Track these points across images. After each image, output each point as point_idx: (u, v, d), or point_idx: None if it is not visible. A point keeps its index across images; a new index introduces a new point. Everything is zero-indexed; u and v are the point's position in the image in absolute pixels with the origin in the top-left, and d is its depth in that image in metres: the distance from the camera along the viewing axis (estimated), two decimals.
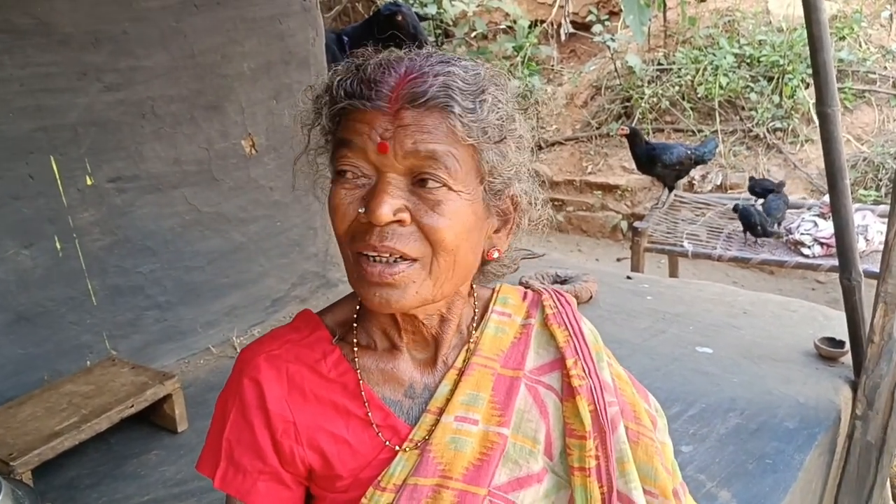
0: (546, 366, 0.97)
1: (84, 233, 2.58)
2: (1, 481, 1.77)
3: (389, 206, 0.80)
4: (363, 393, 0.92)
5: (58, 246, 2.51)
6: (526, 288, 1.08)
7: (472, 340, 0.97)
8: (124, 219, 2.69)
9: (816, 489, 2.40)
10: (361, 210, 0.82)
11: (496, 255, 0.93)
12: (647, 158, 5.51)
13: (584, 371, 0.96)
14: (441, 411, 0.93)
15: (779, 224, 5.10)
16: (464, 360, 0.96)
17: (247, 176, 3.09)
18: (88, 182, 2.57)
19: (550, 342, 0.99)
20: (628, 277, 3.75)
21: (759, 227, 4.86)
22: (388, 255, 0.82)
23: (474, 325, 0.99)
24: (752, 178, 5.82)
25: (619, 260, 6.67)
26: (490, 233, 0.91)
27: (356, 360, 0.94)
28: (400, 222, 0.81)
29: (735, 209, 5.10)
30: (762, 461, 2.19)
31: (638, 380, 1.06)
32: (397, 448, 0.92)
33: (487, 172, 0.85)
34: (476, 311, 1.00)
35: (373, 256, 0.82)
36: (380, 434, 0.91)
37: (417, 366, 0.95)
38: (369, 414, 0.92)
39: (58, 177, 2.48)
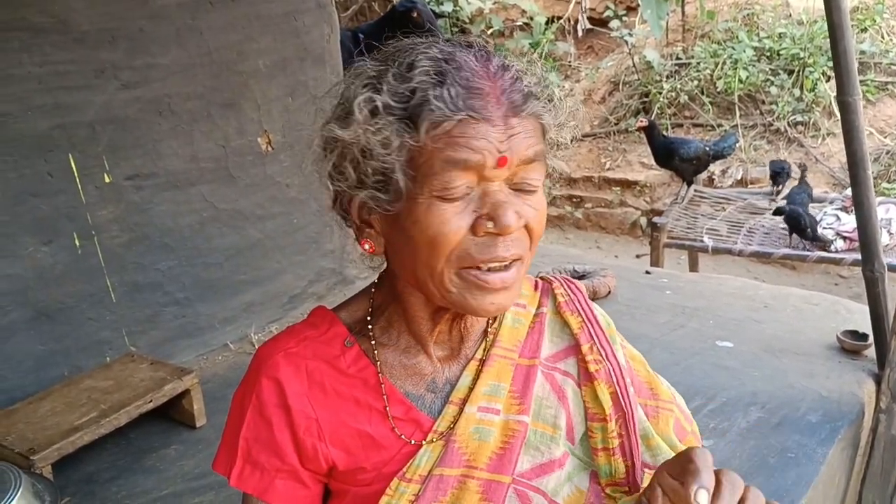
0: (561, 353, 0.98)
1: (103, 230, 2.59)
2: (21, 475, 1.79)
3: (516, 215, 0.81)
4: (383, 387, 0.92)
5: (77, 243, 2.53)
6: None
7: (490, 332, 0.97)
8: (142, 216, 2.71)
9: (840, 484, 2.37)
10: (489, 224, 0.80)
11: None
12: (665, 152, 5.47)
13: (601, 355, 0.97)
14: (464, 402, 0.93)
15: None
16: (484, 352, 0.96)
17: (263, 173, 3.10)
18: (107, 179, 2.59)
19: (564, 329, 0.99)
20: (647, 272, 3.72)
21: (809, 230, 4.64)
22: (504, 260, 0.83)
23: (492, 319, 0.99)
24: (772, 162, 5.76)
25: (638, 256, 6.62)
26: None
27: (375, 354, 0.94)
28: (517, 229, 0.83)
29: (779, 212, 4.90)
30: (784, 455, 2.16)
31: (657, 375, 1.07)
32: (413, 442, 0.92)
33: (549, 157, 0.89)
34: None
35: (491, 266, 0.83)
36: (395, 429, 0.92)
37: (438, 361, 0.96)
38: (388, 409, 0.92)
39: (76, 174, 2.50)
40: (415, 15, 3.69)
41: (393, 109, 0.80)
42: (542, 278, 1.06)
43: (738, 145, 6.15)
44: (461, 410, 0.92)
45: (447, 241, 0.81)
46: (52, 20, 2.38)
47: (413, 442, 0.91)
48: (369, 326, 0.95)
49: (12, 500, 1.69)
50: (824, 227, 4.82)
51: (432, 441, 0.92)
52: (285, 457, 0.91)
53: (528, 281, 1.05)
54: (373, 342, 0.94)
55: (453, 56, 0.81)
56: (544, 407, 0.94)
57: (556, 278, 1.05)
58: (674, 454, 0.96)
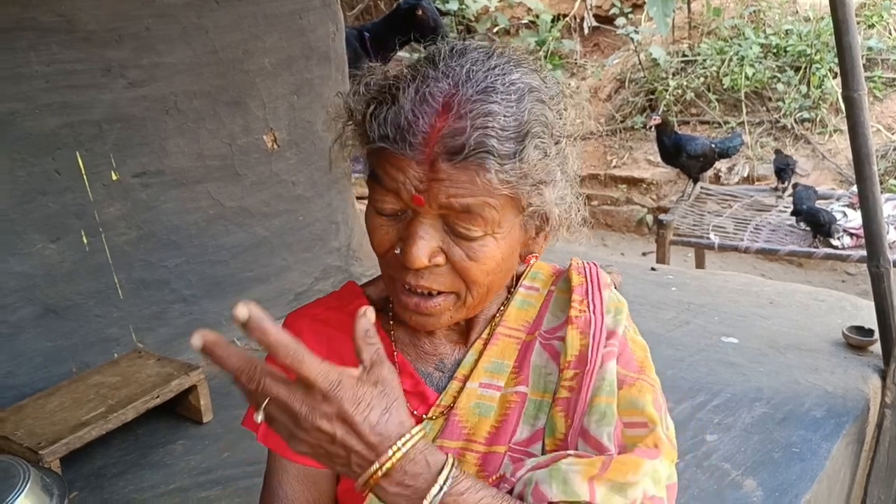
0: (560, 325, 0.98)
1: (110, 227, 2.61)
2: (30, 469, 1.80)
3: (424, 252, 0.81)
4: (396, 363, 0.96)
5: (84, 240, 2.55)
6: None
7: (498, 314, 1.00)
8: (149, 213, 2.72)
9: (845, 479, 2.37)
10: (397, 251, 0.83)
11: (533, 260, 0.98)
12: (674, 148, 5.46)
13: (589, 308, 0.95)
14: (466, 378, 0.95)
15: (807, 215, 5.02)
16: (489, 332, 0.99)
17: (269, 171, 3.11)
18: (114, 177, 2.61)
19: (567, 304, 0.99)
20: (652, 269, 3.72)
21: (827, 226, 4.68)
22: (428, 291, 0.85)
23: (505, 300, 1.01)
24: (776, 158, 5.75)
25: (644, 254, 6.62)
26: (526, 241, 0.92)
27: (392, 331, 0.98)
28: (437, 265, 0.84)
29: (797, 213, 4.90)
30: (789, 450, 2.16)
31: (663, 370, 1.03)
32: (416, 413, 0.94)
33: (527, 206, 0.85)
34: (509, 287, 1.03)
35: (409, 289, 0.86)
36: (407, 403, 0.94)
37: (449, 342, 0.99)
38: (403, 379, 0.95)
39: (84, 172, 2.52)
40: (419, 13, 3.69)
41: (354, 114, 0.85)
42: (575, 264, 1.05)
43: (742, 144, 6.14)
44: (463, 386, 0.95)
45: (376, 244, 0.87)
46: (60, 19, 2.40)
47: (415, 413, 0.94)
48: (390, 304, 0.98)
49: (21, 493, 1.70)
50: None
51: (434, 417, 0.94)
52: None
53: (549, 266, 1.06)
54: (391, 321, 0.98)
55: (423, 76, 0.80)
56: (542, 374, 0.95)
57: (579, 264, 1.03)
58: (630, 418, 0.88)
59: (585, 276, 1.00)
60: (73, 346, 2.55)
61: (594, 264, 1.04)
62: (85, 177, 2.53)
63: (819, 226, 4.72)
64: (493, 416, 0.93)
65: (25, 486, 1.72)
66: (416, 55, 0.89)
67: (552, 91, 0.86)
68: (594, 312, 0.95)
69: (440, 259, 0.83)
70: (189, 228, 2.86)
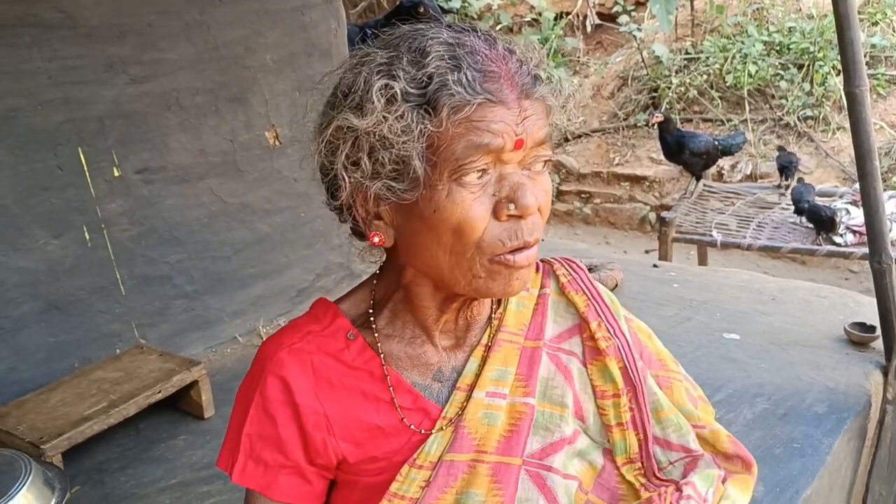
0: (565, 333, 0.99)
1: (112, 223, 2.62)
2: (31, 463, 1.81)
3: (533, 196, 0.82)
4: (389, 378, 0.92)
5: (86, 236, 2.55)
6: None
7: (495, 317, 0.97)
8: (151, 209, 2.73)
9: (846, 474, 2.36)
10: (512, 207, 0.81)
11: None
12: (676, 146, 5.45)
13: (609, 332, 0.97)
14: (471, 388, 0.93)
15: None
16: (489, 337, 0.96)
17: (271, 167, 3.11)
18: (116, 173, 2.62)
19: (569, 309, 1.00)
20: (655, 266, 3.72)
21: (828, 221, 4.67)
22: (527, 244, 0.84)
23: (496, 302, 0.99)
24: (779, 156, 5.74)
25: (647, 252, 6.61)
26: None
27: (379, 346, 0.93)
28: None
29: (800, 211, 4.89)
30: (790, 445, 2.16)
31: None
32: (423, 431, 0.92)
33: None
34: None
35: (510, 249, 0.83)
36: (404, 419, 0.92)
37: (444, 350, 0.96)
38: (395, 399, 0.92)
39: (86, 168, 2.53)
40: (421, 10, 3.69)
41: (410, 96, 0.79)
42: (542, 261, 1.06)
43: (745, 142, 6.13)
44: (469, 396, 0.93)
45: (473, 228, 0.81)
46: (62, 16, 2.41)
47: (423, 431, 0.91)
48: (371, 319, 0.95)
49: (22, 487, 1.71)
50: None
51: (441, 428, 0.92)
52: (289, 453, 0.90)
53: None
54: (376, 334, 0.94)
55: (463, 41, 0.81)
56: (550, 387, 0.95)
57: (556, 260, 1.05)
58: (686, 422, 0.99)
59: (586, 293, 1.00)
60: (76, 341, 2.55)
61: (573, 262, 1.05)
62: (87, 173, 2.54)
63: (821, 222, 4.71)
64: (500, 425, 0.92)
65: (27, 480, 1.73)
66: None
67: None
68: (615, 335, 0.97)
69: (538, 203, 0.85)
70: (191, 224, 2.87)
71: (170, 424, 2.41)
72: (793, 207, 5.04)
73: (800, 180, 5.42)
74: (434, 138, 0.79)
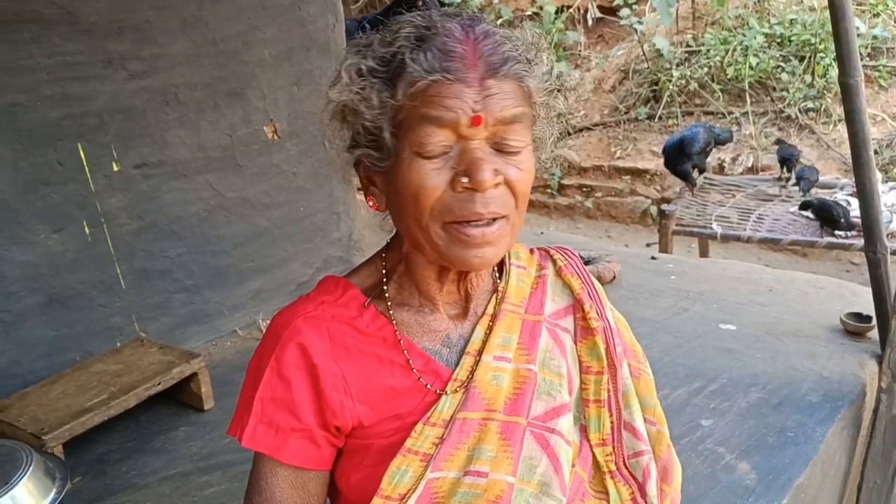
0: (562, 311, 1.06)
1: (112, 218, 2.64)
2: (33, 454, 1.84)
3: (491, 171, 0.85)
4: (402, 342, 0.97)
5: (87, 230, 2.58)
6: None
7: (500, 290, 1.04)
8: (151, 204, 2.75)
9: (840, 463, 2.38)
10: (465, 180, 0.85)
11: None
12: (678, 151, 5.43)
13: (598, 314, 1.06)
14: (480, 353, 0.99)
15: (809, 190, 5.05)
16: (494, 307, 1.03)
17: (270, 162, 3.13)
18: (115, 168, 2.64)
19: (565, 290, 1.08)
20: (653, 258, 3.73)
21: (842, 220, 4.55)
22: (487, 217, 0.87)
23: (497, 276, 1.06)
24: (780, 148, 5.73)
25: (648, 245, 6.62)
26: None
27: (392, 314, 0.98)
28: (497, 185, 0.87)
29: (807, 206, 4.84)
30: (783, 434, 2.18)
31: (660, 357, 1.19)
32: (438, 392, 0.97)
33: (538, 122, 0.93)
34: (499, 265, 1.07)
35: (468, 223, 0.87)
36: (421, 379, 0.97)
37: (451, 319, 1.01)
38: (410, 361, 0.96)
39: (85, 163, 2.55)
40: (420, 4, 3.71)
41: (376, 72, 0.87)
42: (539, 249, 1.14)
43: (741, 133, 6.14)
44: (478, 360, 0.98)
45: (427, 195, 0.86)
46: (61, 11, 2.43)
47: (438, 392, 0.96)
48: (384, 288, 0.99)
49: (23, 477, 1.74)
50: None
51: (455, 390, 0.97)
52: (302, 416, 0.93)
53: (523, 247, 1.11)
54: (388, 303, 0.98)
55: (435, 24, 0.87)
56: (549, 358, 1.02)
57: (552, 247, 1.13)
58: (644, 415, 1.06)
59: (580, 277, 1.08)
60: (77, 334, 2.58)
61: (568, 250, 1.12)
62: (87, 168, 2.56)
63: (833, 221, 4.60)
64: (506, 386, 0.98)
65: (28, 470, 1.76)
66: None
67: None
68: (604, 318, 1.06)
69: (500, 179, 0.87)
70: (190, 219, 2.89)
71: (170, 416, 2.44)
72: (800, 203, 5.03)
73: (801, 169, 5.41)
74: (395, 110, 0.86)
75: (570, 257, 1.11)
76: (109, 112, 2.59)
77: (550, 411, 0.98)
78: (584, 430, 1.04)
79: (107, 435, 2.32)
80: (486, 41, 0.86)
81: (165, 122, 2.76)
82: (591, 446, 1.04)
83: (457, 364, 0.98)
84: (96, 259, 2.62)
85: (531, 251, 1.12)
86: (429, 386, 0.96)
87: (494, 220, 0.87)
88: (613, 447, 1.04)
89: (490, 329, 1.00)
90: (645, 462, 1.04)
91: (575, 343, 1.05)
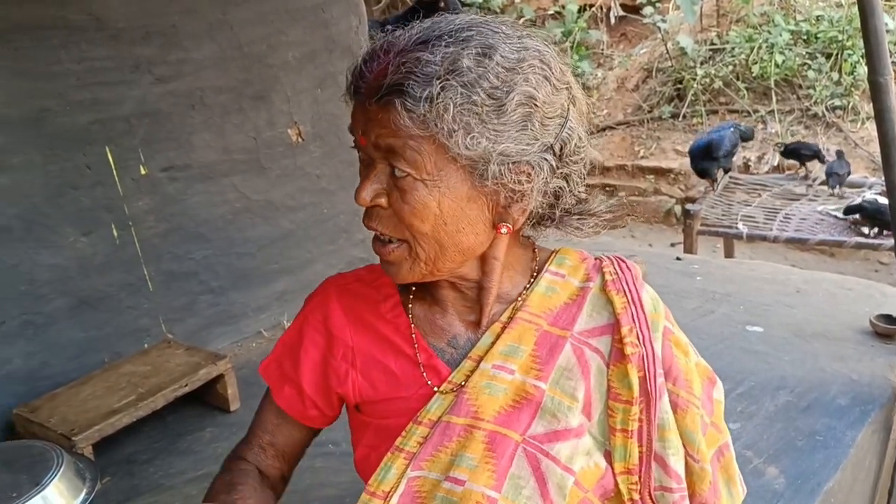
0: (597, 329, 1.00)
1: (139, 221, 2.67)
2: (63, 454, 1.86)
3: (367, 190, 0.88)
4: (413, 336, 1.00)
5: (115, 233, 2.61)
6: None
7: (520, 298, 1.01)
8: (177, 207, 2.78)
9: (871, 467, 2.34)
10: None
11: (504, 230, 0.93)
12: (705, 152, 5.38)
13: (639, 339, 0.98)
14: (480, 359, 0.98)
15: (840, 185, 4.96)
16: (509, 316, 1.00)
17: (294, 164, 3.15)
18: (142, 171, 2.67)
19: (606, 307, 1.01)
20: (678, 259, 3.70)
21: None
22: (382, 235, 0.91)
23: (527, 285, 1.02)
24: (789, 145, 5.66)
25: (672, 245, 6.57)
26: (496, 208, 0.91)
27: (410, 306, 1.02)
28: (380, 206, 0.89)
29: (855, 209, 4.70)
30: (812, 438, 2.15)
31: (700, 363, 1.08)
32: (436, 389, 0.98)
33: (464, 158, 0.85)
34: (533, 272, 1.03)
35: (376, 235, 0.92)
36: (424, 373, 0.98)
37: (463, 323, 1.01)
38: (418, 355, 0.99)
39: (113, 167, 2.58)
40: (441, 5, 3.71)
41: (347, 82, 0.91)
42: (596, 257, 1.08)
43: (766, 131, 6.07)
44: (476, 366, 0.97)
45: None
46: (89, 17, 2.46)
47: (435, 388, 0.98)
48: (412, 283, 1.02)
49: (55, 477, 1.76)
50: None
51: (446, 391, 0.97)
52: (299, 370, 1.04)
53: (577, 253, 1.07)
54: (411, 296, 1.03)
55: (393, 34, 0.88)
56: (565, 377, 0.97)
57: (608, 257, 1.06)
58: (687, 450, 0.99)
59: (626, 295, 1.00)
60: (106, 336, 2.61)
61: (624, 262, 1.04)
62: (115, 171, 2.59)
63: (885, 223, 4.37)
64: (502, 396, 0.95)
65: (59, 470, 1.78)
66: None
67: (513, 54, 0.85)
68: (643, 344, 0.98)
69: (382, 201, 0.89)
70: (216, 221, 2.91)
71: (196, 417, 2.46)
72: (820, 198, 4.98)
73: (839, 154, 5.32)
74: None
75: (623, 272, 1.03)
76: (137, 116, 2.62)
77: (551, 433, 0.94)
78: (608, 457, 0.99)
79: (135, 436, 2.34)
80: (391, 60, 0.83)
81: (191, 126, 2.79)
82: (615, 474, 0.99)
83: (457, 366, 0.99)
84: (124, 261, 2.65)
85: (584, 259, 1.06)
86: (429, 382, 0.98)
87: (390, 239, 0.91)
88: (640, 477, 0.98)
89: (498, 337, 0.98)
90: (675, 499, 0.99)
91: (607, 366, 0.99)
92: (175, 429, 2.41)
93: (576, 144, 0.92)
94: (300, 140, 3.16)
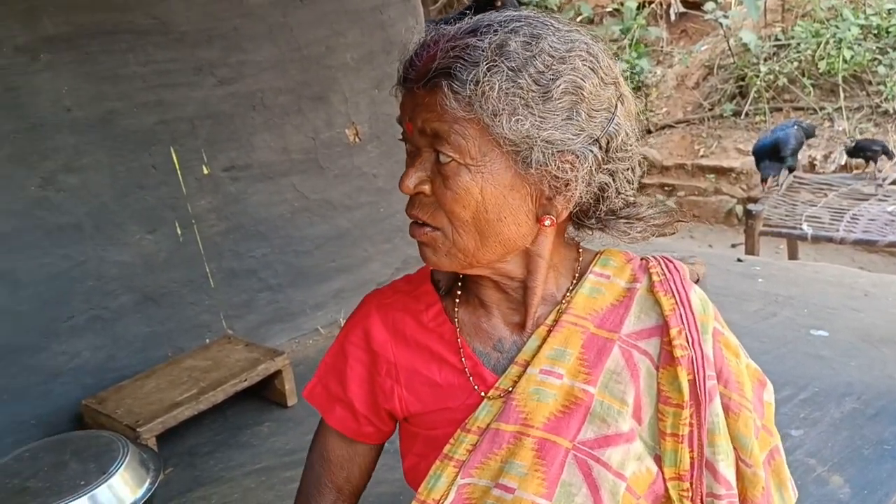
0: (645, 331, 0.97)
1: (201, 219, 2.74)
2: (129, 445, 1.92)
3: (412, 178, 0.87)
4: (459, 341, 0.98)
5: (178, 231, 2.68)
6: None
7: (565, 299, 0.99)
8: (238, 205, 2.85)
9: None
10: None
11: (547, 222, 0.91)
12: (772, 150, 5.23)
13: (688, 342, 0.95)
14: (527, 364, 0.96)
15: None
16: (554, 319, 0.98)
17: (351, 164, 3.19)
18: (205, 171, 2.74)
19: (654, 308, 0.98)
20: (739, 260, 3.62)
21: None
22: (421, 221, 0.90)
23: (571, 286, 1.00)
24: (857, 142, 5.44)
25: (733, 246, 6.42)
26: (540, 200, 0.90)
27: (456, 312, 1.00)
28: (423, 193, 0.88)
29: None
30: (880, 447, 2.07)
31: (750, 366, 1.04)
32: (483, 395, 0.96)
33: (508, 143, 0.85)
34: (576, 273, 1.01)
35: (414, 220, 0.92)
36: (471, 379, 0.97)
37: (508, 325, 0.99)
38: (463, 360, 0.97)
39: (177, 167, 2.66)
40: (498, 4, 3.70)
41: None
42: (642, 257, 1.05)
43: (833, 129, 5.86)
44: (523, 371, 0.95)
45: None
46: (155, 22, 2.54)
47: (482, 394, 0.96)
48: (459, 284, 1.02)
49: (120, 467, 1.82)
50: None
51: (492, 398, 0.95)
52: (347, 389, 1.02)
53: (621, 253, 1.04)
54: (457, 300, 1.01)
55: (442, 25, 0.88)
56: (614, 381, 0.94)
57: (654, 257, 1.03)
58: (740, 455, 0.96)
59: (675, 296, 0.97)
60: (169, 331, 2.69)
61: (671, 262, 1.01)
62: (178, 171, 2.67)
63: None
64: (552, 402, 0.93)
65: (125, 460, 1.84)
66: None
67: (560, 44, 0.85)
68: (692, 346, 0.95)
69: (426, 188, 0.88)
70: (275, 220, 2.97)
71: (255, 412, 2.51)
72: (891, 198, 4.79)
73: None
74: None
75: (670, 272, 1.00)
76: (200, 117, 2.69)
77: (601, 438, 0.92)
78: (658, 461, 0.96)
79: (196, 428, 2.41)
80: (441, 47, 0.84)
81: (252, 127, 2.85)
82: (665, 479, 0.96)
83: (504, 371, 0.96)
84: (187, 259, 2.72)
85: (629, 259, 1.03)
86: (476, 388, 0.96)
87: (424, 223, 0.90)
88: (692, 483, 0.95)
89: (544, 340, 0.96)
90: None
91: (656, 369, 0.96)
92: (234, 422, 2.47)
93: (622, 141, 0.91)
94: (357, 140, 3.19)
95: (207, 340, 2.74)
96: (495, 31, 0.84)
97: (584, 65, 0.86)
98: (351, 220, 3.24)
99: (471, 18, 0.89)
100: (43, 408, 2.36)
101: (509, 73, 0.82)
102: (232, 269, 2.86)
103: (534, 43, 0.84)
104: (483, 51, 0.82)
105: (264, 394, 2.56)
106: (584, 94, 0.86)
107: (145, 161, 2.58)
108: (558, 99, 0.84)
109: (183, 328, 2.73)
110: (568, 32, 0.88)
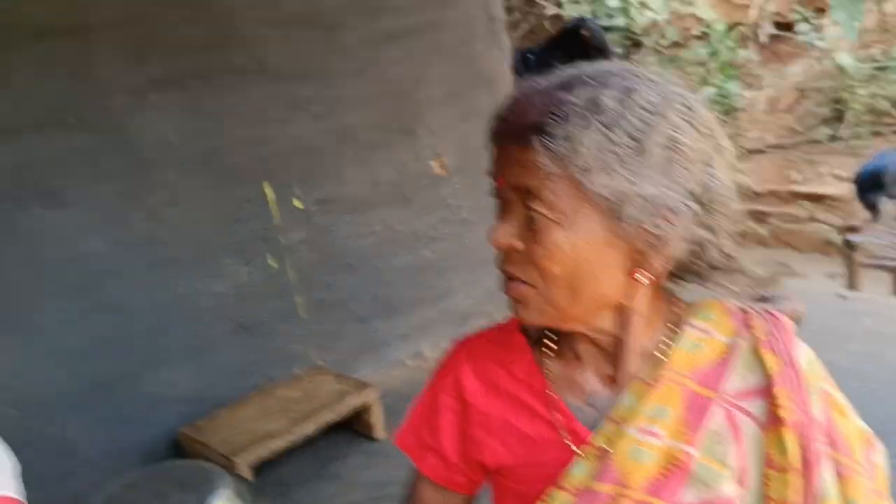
0: (750, 391, 0.93)
1: (293, 251, 2.81)
2: (225, 476, 1.97)
3: (502, 233, 0.85)
4: (550, 394, 0.95)
5: (270, 263, 2.76)
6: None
7: (661, 354, 0.95)
8: (328, 237, 2.91)
9: None
10: None
11: (645, 280, 0.88)
12: (873, 180, 5.01)
13: (795, 404, 0.91)
14: (623, 421, 0.92)
15: None
16: (651, 374, 0.94)
17: (436, 195, 3.22)
18: (297, 204, 2.81)
19: (758, 367, 0.94)
20: (842, 296, 3.45)
21: None
22: (513, 277, 0.88)
23: (667, 340, 0.97)
24: None
25: (831, 277, 6.14)
26: (633, 255, 0.87)
27: (546, 363, 0.97)
28: (514, 248, 0.86)
29: None
30: None
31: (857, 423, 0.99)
32: (577, 451, 0.93)
33: (601, 199, 0.82)
34: (670, 325, 0.99)
35: (504, 271, 0.90)
36: (563, 433, 0.94)
37: (601, 378, 0.96)
38: (555, 414, 0.94)
39: (271, 200, 2.74)
40: (585, 33, 3.69)
41: None
42: (742, 309, 0.99)
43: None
44: (619, 429, 0.92)
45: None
46: (254, 62, 2.64)
47: (574, 448, 0.92)
48: (547, 334, 0.99)
49: (220, 499, 1.86)
50: None
51: (588, 454, 0.92)
52: (439, 438, 1.00)
53: (721, 305, 1.00)
54: (544, 349, 0.98)
55: (533, 80, 0.87)
56: (716, 442, 0.90)
57: (756, 310, 0.98)
58: None
59: (782, 357, 0.93)
60: (260, 360, 2.76)
61: (777, 319, 0.97)
62: (272, 204, 2.75)
63: None
64: (650, 464, 0.89)
65: (224, 491, 1.88)
66: None
67: (655, 97, 0.83)
68: (801, 409, 0.91)
69: (518, 244, 0.85)
70: (363, 252, 3.02)
71: (345, 444, 2.54)
72: None
73: None
74: None
75: (777, 329, 0.95)
76: (293, 152, 2.77)
77: (704, 503, 0.88)
78: None
79: (286, 458, 2.44)
80: (534, 101, 0.83)
81: (342, 160, 2.91)
82: None
83: (596, 427, 0.93)
84: (278, 290, 2.79)
85: (729, 312, 0.98)
86: (569, 443, 0.93)
87: (517, 279, 0.87)
88: None
89: (640, 396, 0.93)
90: None
91: (762, 431, 0.92)
92: (324, 454, 2.50)
93: (721, 194, 0.88)
94: (443, 172, 3.22)
95: (296, 370, 2.80)
96: (587, 85, 0.83)
97: (680, 117, 0.84)
98: (435, 251, 3.26)
99: (560, 71, 0.88)
100: (142, 434, 2.46)
101: (602, 128, 0.81)
102: (322, 300, 2.92)
103: (627, 97, 0.82)
104: (575, 106, 0.81)
105: (353, 425, 2.58)
106: (680, 147, 0.83)
107: (241, 195, 2.67)
108: (653, 153, 0.82)
109: (274, 357, 2.80)
110: (662, 84, 0.86)
